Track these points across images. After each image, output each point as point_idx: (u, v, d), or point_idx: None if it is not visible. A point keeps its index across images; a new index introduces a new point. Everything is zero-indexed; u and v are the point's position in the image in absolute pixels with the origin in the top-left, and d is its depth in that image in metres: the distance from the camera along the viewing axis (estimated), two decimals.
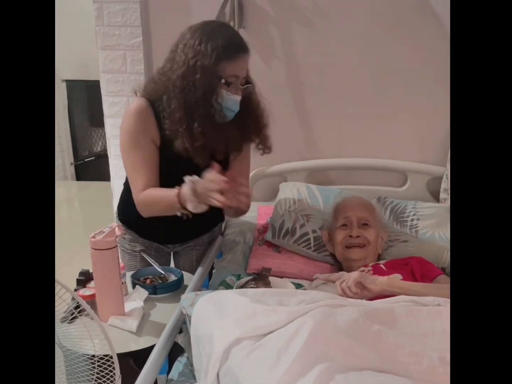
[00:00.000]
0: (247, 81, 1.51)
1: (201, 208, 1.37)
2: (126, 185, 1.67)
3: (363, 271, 1.52)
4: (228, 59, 1.41)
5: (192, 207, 1.36)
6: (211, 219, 1.79)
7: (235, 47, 1.43)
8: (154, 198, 1.48)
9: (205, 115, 1.43)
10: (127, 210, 1.65)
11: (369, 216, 1.69)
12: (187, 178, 1.36)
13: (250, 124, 1.57)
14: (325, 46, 2.04)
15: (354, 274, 1.37)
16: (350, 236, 1.65)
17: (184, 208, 1.39)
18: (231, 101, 1.45)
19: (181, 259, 1.82)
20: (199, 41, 1.41)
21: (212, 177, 1.32)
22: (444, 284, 1.42)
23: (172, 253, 1.83)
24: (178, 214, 1.42)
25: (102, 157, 5.17)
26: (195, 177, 1.36)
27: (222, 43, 1.40)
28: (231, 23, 1.97)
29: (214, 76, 1.41)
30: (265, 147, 1.63)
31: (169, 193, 1.41)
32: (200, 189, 1.33)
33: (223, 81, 1.43)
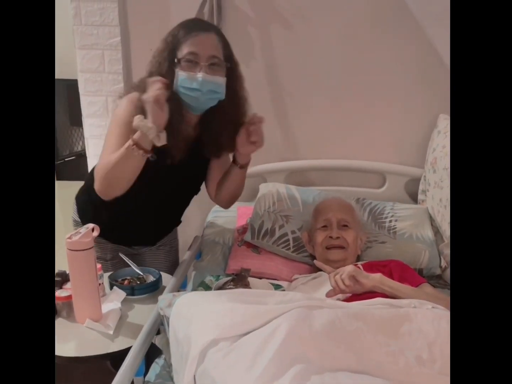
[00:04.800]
0: (228, 62, 1.49)
1: (159, 138, 1.37)
2: (88, 185, 1.64)
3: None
4: (183, 40, 1.44)
5: (152, 132, 1.35)
6: (178, 215, 1.79)
7: (188, 28, 1.46)
8: (111, 157, 1.41)
9: (170, 103, 1.40)
10: (95, 211, 1.63)
11: (349, 218, 1.69)
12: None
13: (228, 117, 1.55)
14: (304, 47, 2.05)
15: (349, 268, 1.38)
16: (330, 237, 1.66)
17: (140, 145, 1.36)
18: (190, 79, 1.42)
19: (147, 261, 1.80)
20: (166, 37, 1.48)
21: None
22: (431, 291, 1.44)
23: (139, 256, 1.80)
24: (136, 154, 1.37)
25: (83, 157, 5.09)
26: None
27: (178, 30, 1.46)
28: None
29: (171, 61, 1.45)
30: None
31: (125, 144, 1.39)
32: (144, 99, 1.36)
33: (181, 62, 1.43)
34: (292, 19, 2.02)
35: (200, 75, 1.42)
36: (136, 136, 1.37)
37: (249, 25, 2.04)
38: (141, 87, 1.45)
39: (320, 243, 1.67)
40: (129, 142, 1.37)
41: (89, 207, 1.67)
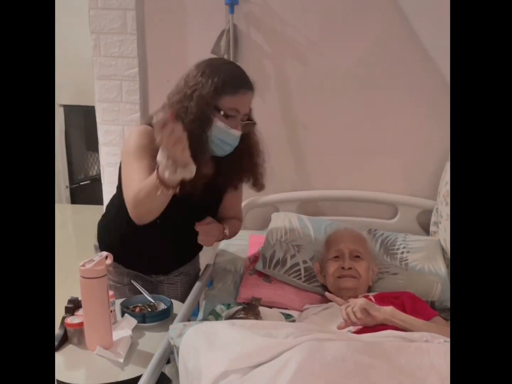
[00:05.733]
0: (249, 119, 1.54)
1: (183, 173, 1.27)
2: (110, 209, 1.68)
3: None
4: (228, 93, 1.44)
5: (171, 172, 1.26)
6: (191, 246, 1.77)
7: (237, 82, 1.46)
8: (140, 189, 1.38)
9: (197, 144, 1.41)
10: (110, 237, 1.64)
11: (361, 249, 1.70)
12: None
13: (245, 163, 1.59)
14: (318, 81, 2.08)
15: (360, 300, 1.38)
16: (342, 268, 1.66)
17: (166, 184, 1.29)
18: (228, 134, 1.46)
19: (165, 289, 1.80)
20: (201, 72, 1.45)
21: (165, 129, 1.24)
22: (444, 325, 1.43)
23: (156, 284, 1.81)
24: (159, 192, 1.30)
25: (98, 181, 5.16)
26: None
27: (224, 77, 1.44)
28: (225, 57, 2.01)
29: (211, 106, 1.44)
30: (257, 185, 1.65)
31: (151, 177, 1.34)
32: (164, 145, 1.24)
33: (222, 112, 1.45)
34: (307, 53, 2.06)
35: (237, 133, 1.47)
36: (161, 173, 1.28)
37: (265, 59, 2.08)
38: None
39: (332, 273, 1.67)
40: (156, 180, 1.30)
41: (108, 233, 1.70)
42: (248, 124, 1.51)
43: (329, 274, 1.69)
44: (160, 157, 1.27)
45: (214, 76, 1.44)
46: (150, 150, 1.43)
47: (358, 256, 1.68)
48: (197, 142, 1.42)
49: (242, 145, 1.53)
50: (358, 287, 1.64)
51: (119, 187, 1.61)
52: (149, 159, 1.43)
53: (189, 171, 1.28)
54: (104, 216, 1.76)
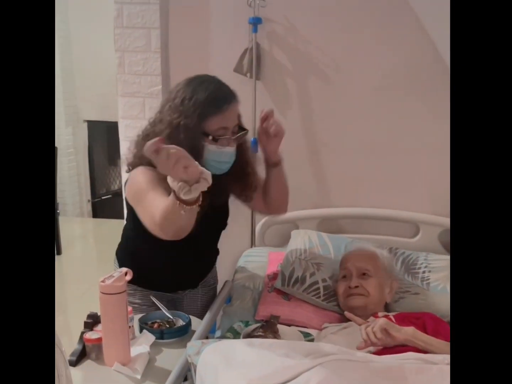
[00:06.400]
0: (241, 127, 1.52)
1: (198, 188, 1.21)
2: (126, 239, 1.71)
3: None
4: (211, 114, 1.41)
5: (186, 193, 1.21)
6: (209, 257, 1.81)
7: (217, 101, 1.42)
8: (164, 211, 1.30)
9: None
10: (133, 263, 1.58)
11: (369, 266, 1.68)
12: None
13: (250, 172, 1.59)
14: (340, 99, 2.08)
15: (381, 321, 1.36)
16: (349, 287, 1.66)
17: (183, 201, 1.23)
18: (223, 154, 1.45)
19: (185, 304, 1.81)
20: (181, 100, 1.42)
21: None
22: None
23: (176, 298, 1.81)
24: (183, 212, 1.24)
25: (119, 195, 5.25)
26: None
27: (203, 99, 1.40)
28: (248, 75, 2.03)
29: (198, 134, 1.42)
30: (245, 195, 1.64)
31: (170, 198, 1.28)
32: (166, 171, 1.19)
33: (210, 137, 1.43)
34: (329, 72, 2.06)
35: (231, 150, 1.46)
36: (178, 192, 1.23)
37: (287, 77, 2.09)
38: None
39: (341, 293, 1.69)
40: (176, 201, 1.24)
41: (129, 261, 1.68)
42: (240, 136, 1.49)
43: (339, 294, 1.70)
44: (170, 181, 1.23)
45: (194, 101, 1.40)
46: (159, 180, 1.40)
47: (365, 274, 1.67)
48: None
49: (242, 156, 1.53)
50: (367, 305, 1.63)
51: (130, 219, 1.62)
52: (162, 186, 1.38)
53: (204, 183, 1.22)
54: (121, 246, 1.76)
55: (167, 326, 1.57)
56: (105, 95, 4.69)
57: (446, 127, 2.03)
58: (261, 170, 1.67)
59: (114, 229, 2.05)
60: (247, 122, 1.64)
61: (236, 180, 1.59)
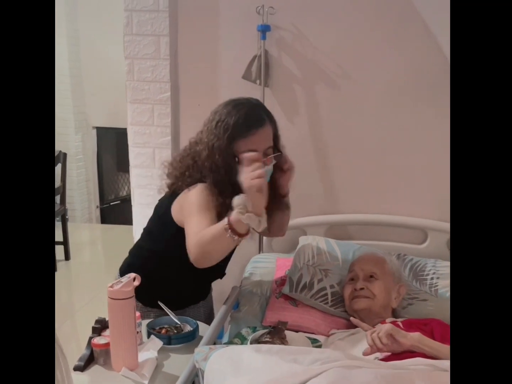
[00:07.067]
0: (278, 149, 1.56)
1: (256, 221, 1.29)
2: (136, 257, 1.73)
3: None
4: (240, 137, 1.47)
5: (248, 218, 1.28)
6: (214, 276, 1.83)
7: (246, 125, 1.47)
8: (205, 232, 1.38)
9: (234, 192, 1.41)
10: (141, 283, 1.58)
11: (376, 269, 1.69)
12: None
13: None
14: (348, 105, 2.09)
15: (386, 326, 1.35)
16: (355, 289, 1.66)
17: (235, 228, 1.30)
18: None
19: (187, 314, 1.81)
20: (215, 123, 1.49)
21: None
22: None
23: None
24: (227, 234, 1.31)
25: (127, 202, 5.26)
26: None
27: (233, 123, 1.47)
28: (257, 82, 2.04)
29: (230, 156, 1.48)
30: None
31: (219, 223, 1.36)
32: (249, 185, 1.28)
33: (237, 159, 1.47)
34: (337, 79, 2.07)
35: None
36: (233, 220, 1.31)
37: (295, 83, 2.10)
38: (190, 156, 1.55)
39: (347, 296, 1.69)
40: (225, 225, 1.32)
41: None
42: (271, 157, 1.52)
43: (345, 297, 1.70)
44: (238, 200, 1.31)
45: (225, 124, 1.47)
46: (212, 206, 1.48)
47: (372, 276, 1.67)
48: (231, 188, 1.44)
49: (278, 177, 1.58)
50: (371, 308, 1.63)
51: (152, 238, 1.68)
52: (212, 213, 1.47)
53: (262, 223, 1.31)
54: (129, 264, 1.75)
55: (175, 331, 1.58)
56: (114, 101, 4.73)
57: None
58: None
59: (122, 235, 2.06)
60: None
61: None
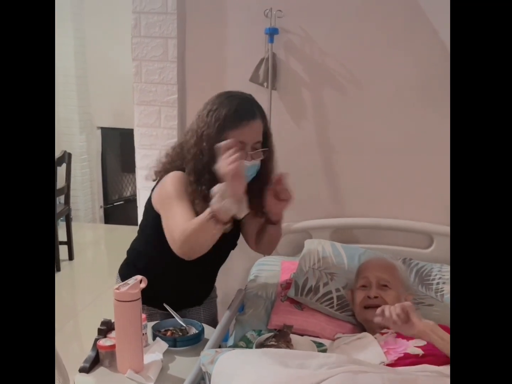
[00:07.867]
0: (267, 145, 1.55)
1: (236, 207, 1.32)
2: (134, 256, 1.73)
3: (385, 333, 1.49)
4: (231, 128, 1.47)
5: (228, 202, 1.31)
6: (216, 274, 1.83)
7: (238, 116, 1.48)
8: (188, 225, 1.40)
9: (211, 180, 1.44)
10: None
11: (389, 277, 1.67)
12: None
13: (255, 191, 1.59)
14: (355, 109, 2.08)
15: (406, 302, 1.35)
16: (368, 297, 1.64)
17: (218, 216, 1.33)
18: None
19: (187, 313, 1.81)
20: (207, 112, 1.50)
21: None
22: None
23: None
24: (218, 231, 1.36)
25: (131, 202, 5.28)
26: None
27: (225, 113, 1.48)
28: (264, 85, 2.04)
29: (214, 141, 1.46)
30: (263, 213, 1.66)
31: (202, 214, 1.38)
32: (226, 171, 1.31)
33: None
34: (344, 82, 2.07)
35: (248, 164, 1.47)
36: (215, 208, 1.33)
37: (303, 87, 2.10)
38: (182, 153, 1.56)
39: (359, 303, 1.66)
40: (208, 215, 1.34)
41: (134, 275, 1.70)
42: (257, 153, 1.51)
43: (357, 303, 1.67)
44: (216, 188, 1.33)
45: (217, 114, 1.48)
46: (187, 194, 1.50)
47: (385, 285, 1.65)
48: (210, 177, 1.46)
49: (263, 174, 1.56)
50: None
51: (143, 232, 1.69)
52: (189, 202, 1.48)
53: (243, 209, 1.33)
54: (127, 263, 1.76)
55: (180, 334, 1.58)
56: (119, 102, 4.75)
57: None
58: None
59: (126, 235, 2.06)
60: None
61: (256, 197, 1.59)
